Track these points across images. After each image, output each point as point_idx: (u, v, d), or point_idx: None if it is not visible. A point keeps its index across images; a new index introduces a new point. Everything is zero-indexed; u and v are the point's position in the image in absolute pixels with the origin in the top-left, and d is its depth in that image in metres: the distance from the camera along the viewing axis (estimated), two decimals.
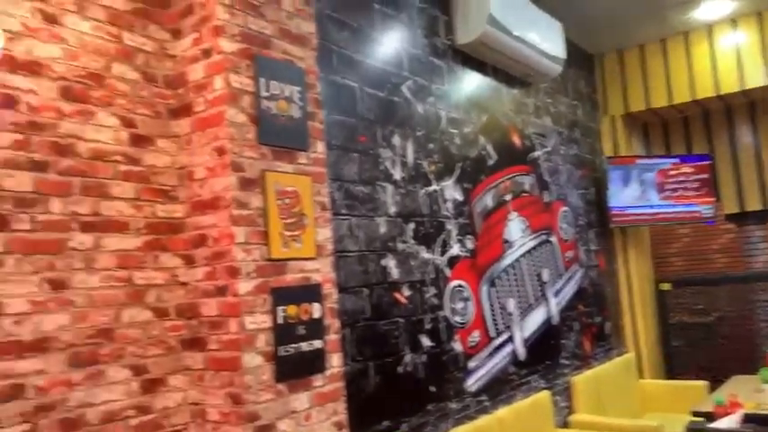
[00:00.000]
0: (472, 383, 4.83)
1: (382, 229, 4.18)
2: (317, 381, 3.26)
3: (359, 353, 3.86)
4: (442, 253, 4.72)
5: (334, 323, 3.41)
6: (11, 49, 2.64)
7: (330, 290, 3.41)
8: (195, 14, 3.18)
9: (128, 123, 3.05)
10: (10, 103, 2.62)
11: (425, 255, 4.54)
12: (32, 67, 2.72)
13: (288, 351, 3.11)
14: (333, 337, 3.39)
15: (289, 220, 3.21)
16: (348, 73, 4.14)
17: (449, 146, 4.99)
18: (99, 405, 2.76)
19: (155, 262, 3.07)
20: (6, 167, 2.57)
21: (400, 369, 4.15)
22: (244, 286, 2.98)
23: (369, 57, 4.33)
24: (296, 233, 3.24)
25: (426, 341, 4.41)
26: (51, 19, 2.81)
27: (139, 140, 3.09)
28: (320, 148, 3.49)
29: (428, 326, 4.45)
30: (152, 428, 2.94)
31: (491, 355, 5.10)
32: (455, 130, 5.09)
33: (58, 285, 2.68)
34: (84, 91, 2.88)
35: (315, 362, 3.25)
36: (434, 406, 4.40)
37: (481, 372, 4.94)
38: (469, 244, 5.04)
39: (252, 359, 2.96)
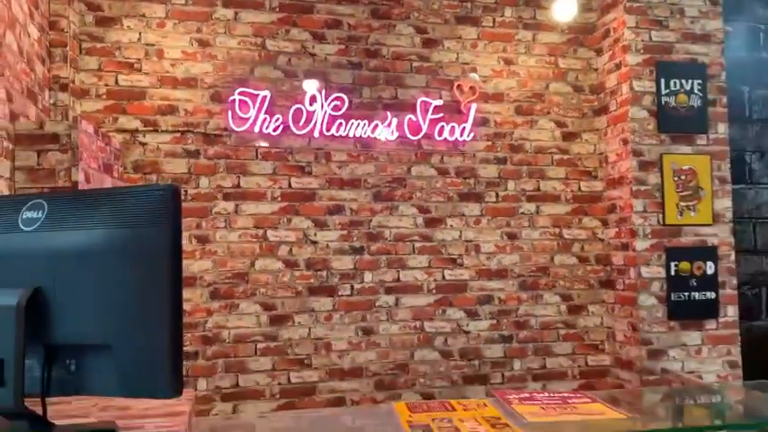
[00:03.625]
0: None
1: None
2: (710, 324, 3.94)
3: None
4: None
5: (730, 280, 3.98)
6: (484, 88, 4.20)
7: (728, 252, 3.99)
8: (610, 36, 4.17)
9: (560, 125, 4.30)
10: (484, 121, 4.19)
11: None
12: (497, 97, 4.23)
13: (679, 297, 3.91)
14: (728, 291, 3.98)
15: (684, 193, 3.95)
16: None
17: None
18: (539, 317, 4.17)
19: (579, 223, 4.27)
20: (482, 162, 4.17)
21: None
22: (641, 244, 3.92)
23: None
24: (691, 203, 3.95)
25: None
26: (508, 61, 4.26)
27: (569, 136, 4.31)
28: (721, 129, 4.04)
29: None
30: (576, 339, 4.21)
31: None
32: None
33: (512, 237, 4.18)
34: (530, 107, 4.27)
35: (707, 309, 3.93)
36: None
37: None
38: None
39: (646, 299, 3.90)
